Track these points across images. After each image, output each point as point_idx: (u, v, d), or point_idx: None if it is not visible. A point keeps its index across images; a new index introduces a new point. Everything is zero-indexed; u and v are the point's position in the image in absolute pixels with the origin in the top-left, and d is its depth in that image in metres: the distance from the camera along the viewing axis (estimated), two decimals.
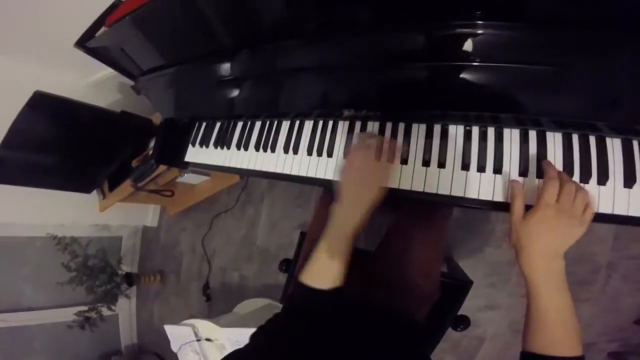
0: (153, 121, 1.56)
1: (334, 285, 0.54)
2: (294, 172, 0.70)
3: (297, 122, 0.74)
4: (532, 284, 0.47)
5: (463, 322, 0.84)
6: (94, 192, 1.82)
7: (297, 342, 0.50)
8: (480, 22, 0.45)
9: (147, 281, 2.21)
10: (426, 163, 0.58)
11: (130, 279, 2.14)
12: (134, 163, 1.54)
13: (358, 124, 0.67)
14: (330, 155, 0.67)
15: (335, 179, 0.61)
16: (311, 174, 0.68)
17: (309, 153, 0.70)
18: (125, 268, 2.21)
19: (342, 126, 0.68)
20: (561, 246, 0.47)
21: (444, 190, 0.56)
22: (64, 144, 1.45)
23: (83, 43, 0.93)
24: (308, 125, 0.73)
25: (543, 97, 0.49)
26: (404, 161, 0.60)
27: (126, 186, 1.62)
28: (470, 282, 0.85)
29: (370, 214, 0.55)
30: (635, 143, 0.51)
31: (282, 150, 0.74)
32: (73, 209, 1.90)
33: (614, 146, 0.52)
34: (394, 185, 0.59)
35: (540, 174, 0.53)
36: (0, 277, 1.85)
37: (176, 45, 0.78)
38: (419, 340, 0.76)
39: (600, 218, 0.50)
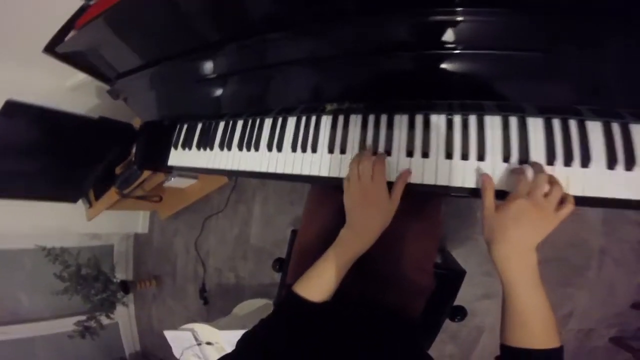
0: (134, 125, 1.52)
1: (326, 299, 0.56)
2: (279, 170, 0.69)
3: (280, 119, 0.73)
4: (507, 280, 0.47)
5: (460, 313, 0.84)
6: (80, 201, 1.78)
7: (290, 341, 0.50)
8: (460, 8, 0.45)
9: (143, 287, 2.19)
10: (410, 154, 0.58)
11: (125, 286, 2.12)
12: (118, 170, 1.51)
13: (341, 118, 0.66)
14: (314, 150, 0.66)
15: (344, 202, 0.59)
16: (296, 171, 0.67)
17: (293, 150, 0.69)
18: (120, 275, 2.19)
19: (325, 121, 0.67)
20: (534, 239, 0.47)
21: (429, 180, 0.56)
22: (44, 154, 1.41)
23: (52, 48, 0.88)
24: (291, 121, 0.71)
25: (527, 84, 0.49)
26: (388, 153, 0.59)
27: (112, 194, 1.59)
28: (464, 272, 0.85)
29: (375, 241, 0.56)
30: (615, 125, 0.51)
31: (265, 149, 0.72)
32: (60, 218, 1.86)
33: (594, 129, 0.52)
34: None
35: (522, 160, 0.53)
36: None
37: (154, 43, 0.75)
38: (416, 334, 0.77)
39: (587, 201, 0.50)
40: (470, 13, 0.45)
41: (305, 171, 0.66)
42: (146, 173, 1.44)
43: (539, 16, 0.43)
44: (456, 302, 0.85)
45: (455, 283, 0.84)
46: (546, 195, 0.47)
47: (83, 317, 1.91)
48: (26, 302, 1.93)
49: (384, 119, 0.61)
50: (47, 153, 1.41)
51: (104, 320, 1.99)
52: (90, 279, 1.90)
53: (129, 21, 0.70)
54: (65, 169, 1.53)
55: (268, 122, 0.75)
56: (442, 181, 0.55)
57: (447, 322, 0.85)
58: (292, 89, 0.65)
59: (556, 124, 0.53)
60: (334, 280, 0.56)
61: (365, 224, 0.56)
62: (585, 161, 0.51)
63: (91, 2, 0.88)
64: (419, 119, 0.59)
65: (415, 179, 0.57)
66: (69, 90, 1.53)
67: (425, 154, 0.57)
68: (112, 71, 0.89)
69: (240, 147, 0.76)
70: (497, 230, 0.48)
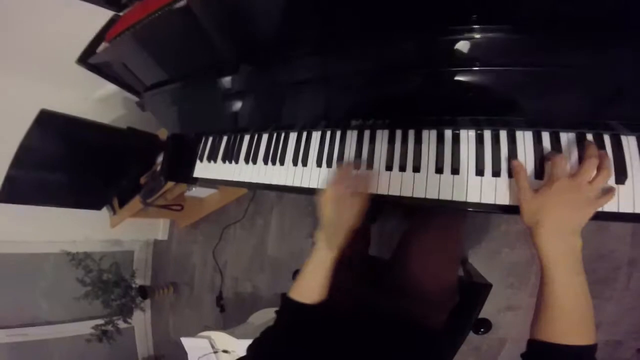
0: (159, 136, 1.57)
1: (318, 300, 0.59)
2: (305, 184, 0.70)
3: (305, 134, 0.74)
4: (548, 264, 0.45)
5: (484, 326, 0.83)
6: (105, 209, 1.84)
7: (311, 352, 0.52)
8: (476, 26, 0.45)
9: (161, 293, 2.23)
10: (439, 170, 0.58)
11: (144, 291, 2.16)
12: (142, 180, 1.56)
13: (367, 133, 0.66)
14: None
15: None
16: (322, 186, 0.67)
17: (319, 164, 0.70)
18: (139, 281, 2.24)
19: (351, 136, 0.68)
20: (576, 222, 0.45)
21: (459, 197, 0.55)
22: (72, 162, 1.47)
23: (85, 59, 0.91)
24: (316, 136, 0.73)
25: (552, 97, 0.49)
26: (417, 169, 0.59)
27: (136, 202, 1.64)
28: (490, 285, 0.84)
29: (349, 237, 0.60)
30: None
31: (291, 163, 0.74)
32: (85, 225, 1.93)
33: (629, 143, 0.51)
34: (408, 194, 0.59)
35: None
36: (17, 292, 1.89)
37: (178, 60, 0.78)
38: (438, 346, 0.75)
39: (613, 217, 0.49)
40: (485, 30, 0.45)
41: None
42: (169, 183, 1.48)
43: (550, 30, 0.43)
44: (480, 316, 0.83)
45: (480, 296, 0.82)
46: (592, 180, 0.46)
47: (101, 321, 1.96)
48: (47, 305, 1.99)
49: (411, 134, 0.62)
50: (75, 162, 1.47)
51: (121, 325, 2.03)
52: (110, 284, 1.96)
53: (154, 38, 0.73)
54: (91, 177, 1.59)
55: (293, 136, 0.76)
56: (472, 198, 0.55)
57: (470, 335, 0.83)
58: (314, 106, 0.66)
59: (590, 138, 0.52)
60: (320, 279, 0.59)
61: (333, 220, 0.59)
62: (621, 177, 0.49)
63: (120, 14, 0.91)
64: (447, 134, 0.59)
65: (444, 195, 0.57)
66: (95, 102, 1.60)
67: (455, 170, 0.57)
68: (140, 84, 0.93)
69: (265, 161, 0.78)
70: (539, 212, 0.46)
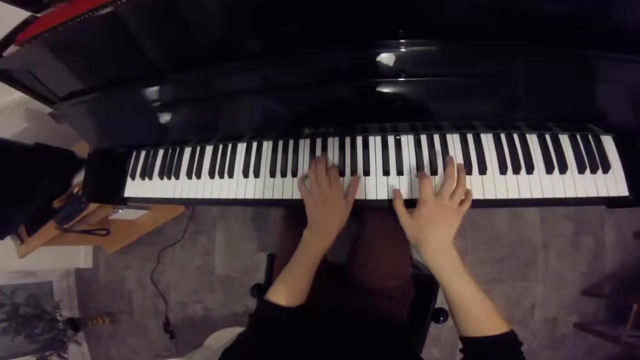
0: (75, 153, 1.37)
1: (300, 303, 0.58)
2: (258, 196, 0.68)
3: (255, 144, 0.72)
4: (438, 276, 0.53)
5: (443, 314, 0.87)
6: (9, 238, 1.53)
7: (273, 350, 0.51)
8: (403, 40, 0.49)
9: (95, 324, 1.96)
10: (386, 173, 0.62)
11: (74, 324, 1.88)
12: (56, 203, 1.33)
13: (319, 141, 0.67)
14: (294, 175, 0.66)
15: (305, 206, 0.62)
16: (277, 196, 0.66)
17: (272, 175, 0.68)
18: (65, 313, 1.94)
19: (304, 144, 0.68)
20: (448, 235, 0.53)
21: (406, 196, 0.60)
22: None
23: None
24: (267, 145, 0.71)
25: (468, 104, 0.56)
26: (367, 173, 0.63)
27: (49, 229, 1.39)
28: None
29: (336, 238, 0.60)
30: (547, 137, 0.61)
31: (241, 175, 0.71)
32: None
33: (533, 141, 0.61)
34: (361, 197, 0.62)
35: (482, 170, 0.60)
36: None
37: (104, 65, 0.69)
38: (405, 340, 0.79)
39: (529, 202, 0.58)
40: (411, 44, 0.49)
41: (287, 195, 0.65)
42: (92, 206, 1.30)
43: (466, 45, 0.49)
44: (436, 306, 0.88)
45: (432, 287, 0.87)
46: (451, 195, 0.53)
47: (32, 358, 1.71)
48: None
49: (359, 140, 0.65)
50: None
51: None
52: (31, 318, 1.68)
53: (77, 43, 0.64)
54: None
55: (241, 147, 0.73)
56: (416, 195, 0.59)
57: (430, 326, 0.88)
58: (258, 115, 0.65)
59: (503, 138, 0.61)
60: (304, 282, 0.59)
61: (323, 221, 0.59)
62: (529, 168, 0.59)
63: (38, 15, 0.78)
64: (390, 140, 0.64)
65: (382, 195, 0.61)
66: None
67: (400, 172, 0.61)
68: (57, 92, 0.79)
69: (212, 175, 0.74)
70: (417, 234, 0.54)
